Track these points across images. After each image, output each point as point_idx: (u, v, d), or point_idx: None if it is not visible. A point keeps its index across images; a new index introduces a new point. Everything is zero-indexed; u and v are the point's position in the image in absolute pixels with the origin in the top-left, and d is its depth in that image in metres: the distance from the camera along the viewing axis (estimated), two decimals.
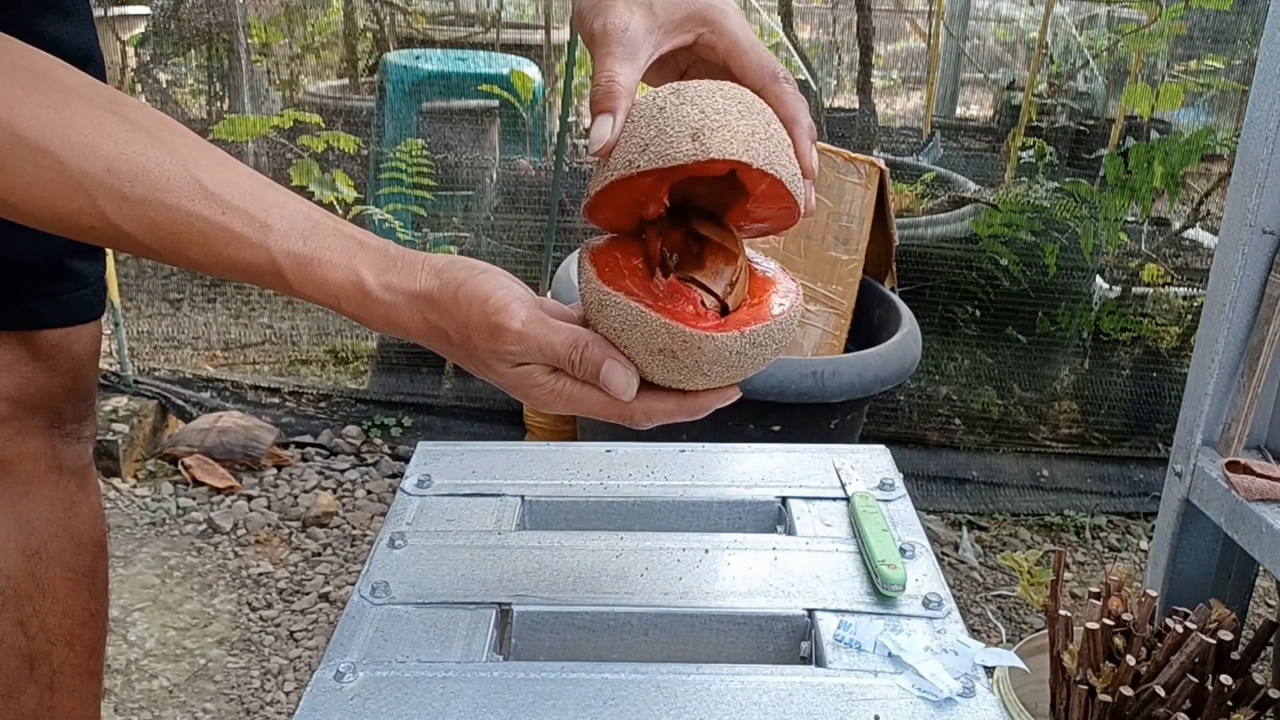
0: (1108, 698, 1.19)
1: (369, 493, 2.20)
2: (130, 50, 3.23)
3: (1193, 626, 1.22)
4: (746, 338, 0.63)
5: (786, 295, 0.68)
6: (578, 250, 0.69)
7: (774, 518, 0.94)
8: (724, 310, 0.66)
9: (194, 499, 2.13)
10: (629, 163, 0.63)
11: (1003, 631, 1.89)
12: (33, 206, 0.60)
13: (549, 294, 1.80)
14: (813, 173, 0.68)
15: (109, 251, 1.43)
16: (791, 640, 0.79)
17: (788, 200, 0.66)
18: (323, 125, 2.47)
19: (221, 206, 0.62)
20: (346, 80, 3.53)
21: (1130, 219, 2.49)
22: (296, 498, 2.16)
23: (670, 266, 0.67)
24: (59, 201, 0.60)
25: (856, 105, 2.92)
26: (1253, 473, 1.33)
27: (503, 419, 2.42)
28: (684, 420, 0.68)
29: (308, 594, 1.88)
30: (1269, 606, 2.00)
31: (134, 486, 2.17)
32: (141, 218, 0.61)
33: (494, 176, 2.71)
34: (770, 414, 1.65)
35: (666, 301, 0.65)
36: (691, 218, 0.69)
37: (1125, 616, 1.28)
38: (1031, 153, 2.74)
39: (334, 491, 2.20)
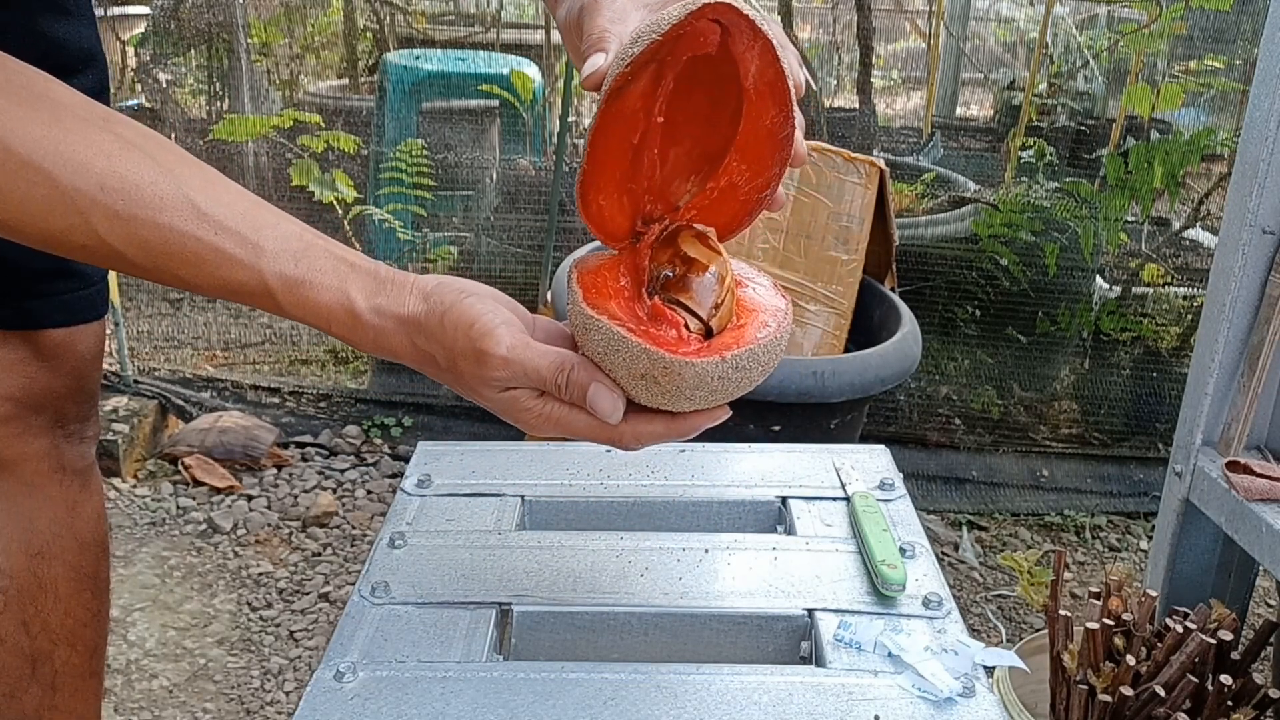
0: (1108, 698, 1.19)
1: (369, 493, 2.20)
2: (130, 50, 3.23)
3: (1193, 626, 1.22)
4: (728, 363, 0.62)
5: (773, 317, 0.67)
6: (587, 249, 0.69)
7: (774, 518, 0.94)
8: (708, 333, 0.65)
9: (194, 499, 2.13)
10: (622, 59, 0.62)
11: (1003, 631, 1.89)
12: (24, 223, 0.60)
13: (549, 294, 1.80)
14: (801, 89, 0.67)
15: None
16: (791, 640, 0.79)
17: (781, 99, 0.65)
18: (323, 125, 2.47)
19: (214, 226, 0.62)
20: (346, 80, 3.53)
21: (1130, 219, 2.49)
22: (296, 498, 2.16)
23: (657, 288, 0.67)
24: (51, 219, 0.60)
25: (856, 105, 2.92)
26: (1253, 473, 1.33)
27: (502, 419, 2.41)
28: (674, 441, 0.68)
29: (308, 594, 1.88)
30: (1269, 606, 2.00)
31: (134, 486, 2.17)
32: (133, 236, 0.61)
33: (494, 176, 2.71)
34: (770, 414, 1.65)
35: (649, 325, 0.64)
36: (679, 239, 0.68)
37: (1125, 616, 1.28)
38: (1031, 153, 2.74)
39: (334, 491, 2.20)
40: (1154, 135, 2.74)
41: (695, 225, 0.70)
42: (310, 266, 0.64)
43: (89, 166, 0.60)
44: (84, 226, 0.60)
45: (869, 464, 1.00)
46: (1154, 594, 1.29)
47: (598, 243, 1.87)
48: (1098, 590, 1.32)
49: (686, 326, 0.65)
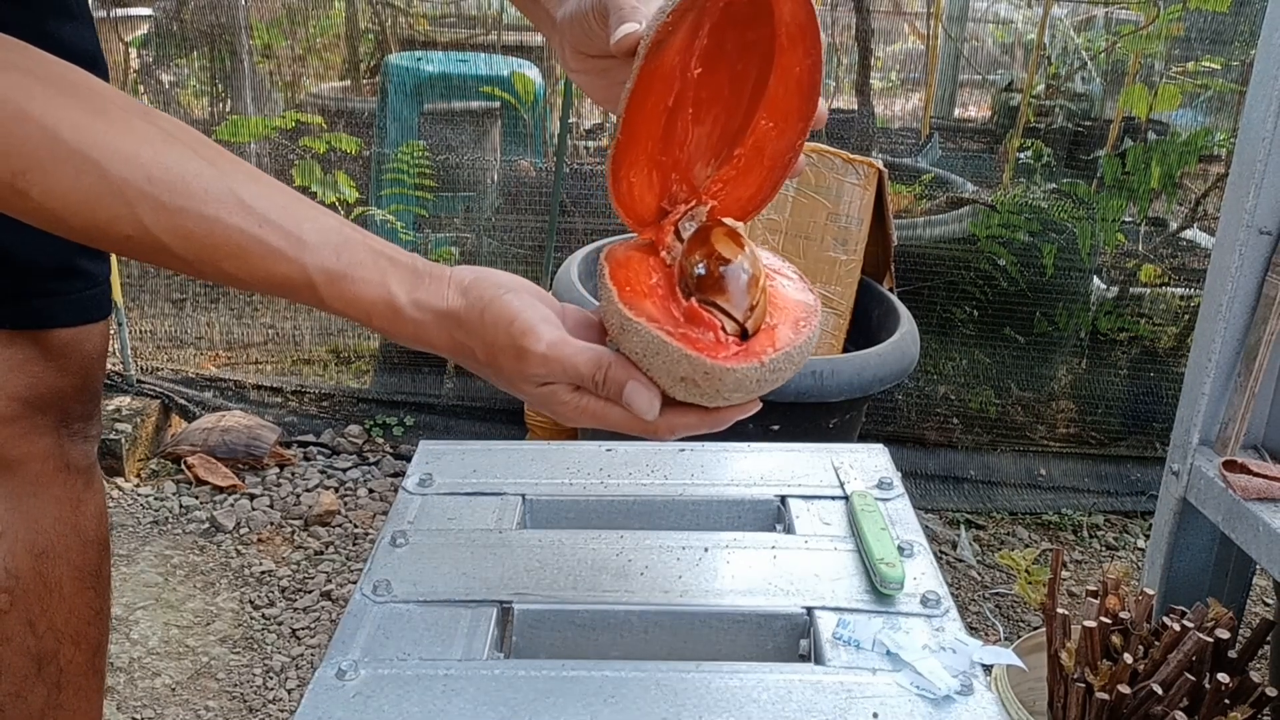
0: (1105, 696, 1.20)
1: (371, 491, 2.21)
2: (133, 51, 3.23)
3: (1190, 625, 1.23)
4: (766, 366, 0.64)
5: (805, 317, 0.69)
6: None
7: (773, 516, 0.95)
8: (743, 333, 0.66)
9: (197, 498, 2.14)
10: (662, 11, 0.63)
11: (1000, 629, 1.90)
12: (70, 213, 0.60)
13: (550, 294, 1.81)
14: (823, 119, 0.71)
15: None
16: (790, 638, 0.79)
17: (812, 43, 0.66)
18: (325, 126, 2.47)
19: (258, 220, 0.62)
20: (348, 82, 3.53)
21: (1128, 220, 2.49)
22: (299, 496, 2.17)
23: (691, 287, 0.67)
24: (98, 209, 0.60)
25: (855, 107, 2.92)
26: (1250, 472, 1.33)
27: (504, 418, 2.42)
28: (706, 431, 0.70)
29: (310, 592, 1.89)
30: (1266, 605, 2.01)
31: (137, 485, 2.17)
32: (179, 228, 0.61)
33: (495, 177, 2.71)
34: (769, 413, 1.65)
35: (687, 328, 0.65)
36: (712, 237, 0.69)
37: (1123, 615, 1.28)
38: (1029, 154, 2.74)
39: (336, 490, 2.20)
40: (1151, 136, 2.74)
41: (726, 221, 0.71)
42: (351, 260, 0.64)
43: (136, 157, 0.60)
44: (130, 217, 0.60)
45: (867, 463, 1.00)
46: (1151, 592, 1.30)
47: (597, 245, 1.87)
48: (1095, 589, 1.32)
49: (723, 328, 0.66)
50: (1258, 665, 1.40)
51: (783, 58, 0.68)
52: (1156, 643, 1.24)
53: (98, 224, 0.61)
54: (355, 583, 1.60)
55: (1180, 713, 1.17)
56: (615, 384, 0.65)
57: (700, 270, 0.67)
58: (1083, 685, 1.23)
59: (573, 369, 0.65)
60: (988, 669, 0.89)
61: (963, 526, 2.20)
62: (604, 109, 0.78)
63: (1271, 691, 1.21)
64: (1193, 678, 1.18)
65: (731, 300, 0.66)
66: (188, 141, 0.63)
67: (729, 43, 0.68)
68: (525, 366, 0.65)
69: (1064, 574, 2.07)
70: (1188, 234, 2.63)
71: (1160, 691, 1.18)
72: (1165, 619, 1.26)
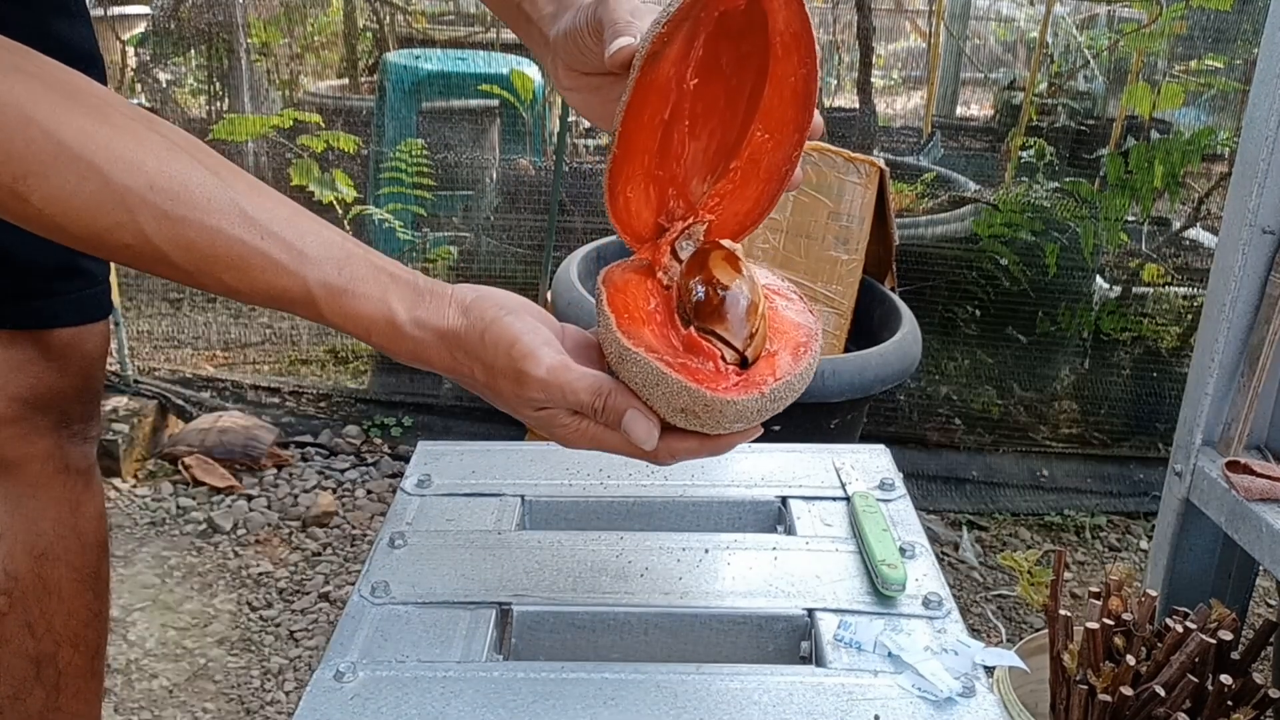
0: (1108, 697, 1.19)
1: (369, 492, 2.20)
2: (130, 50, 3.23)
3: (1193, 626, 1.22)
4: (767, 397, 0.64)
5: (806, 340, 0.68)
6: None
7: (774, 517, 0.94)
8: (743, 362, 0.66)
9: (194, 499, 2.14)
10: (657, 23, 0.63)
11: (1003, 631, 1.89)
12: (70, 220, 0.59)
13: (549, 294, 1.80)
14: (819, 129, 0.71)
15: None
16: (791, 640, 0.79)
17: (806, 51, 0.66)
18: (322, 125, 2.47)
19: (260, 231, 0.62)
20: (346, 80, 3.52)
21: (1130, 219, 2.49)
22: (296, 497, 2.16)
23: (689, 313, 0.67)
24: (99, 216, 0.59)
25: (856, 105, 2.92)
26: (1253, 472, 1.33)
27: (503, 419, 2.41)
28: (707, 456, 0.70)
29: (308, 594, 1.89)
30: (1269, 606, 2.00)
31: (134, 486, 2.17)
32: (180, 237, 0.60)
33: (494, 176, 2.71)
34: None
35: (686, 357, 0.65)
36: (709, 261, 0.68)
37: (1125, 616, 1.28)
38: (1032, 152, 2.74)
39: (334, 491, 2.20)
40: (1154, 135, 2.74)
41: (723, 243, 0.70)
42: (352, 276, 0.64)
43: (140, 165, 0.59)
44: (131, 225, 0.60)
45: (869, 464, 1.00)
46: (1154, 594, 1.30)
47: (597, 244, 1.87)
48: (1098, 590, 1.32)
49: (723, 357, 0.65)
50: (1260, 667, 1.40)
51: (778, 68, 0.67)
52: (1159, 644, 1.24)
53: (98, 231, 0.60)
54: (353, 584, 1.60)
55: (1183, 714, 1.16)
56: (614, 412, 0.65)
57: (699, 295, 0.67)
58: (1085, 687, 1.22)
59: (572, 395, 0.64)
60: (990, 671, 0.88)
61: (965, 528, 2.20)
62: (598, 127, 0.78)
63: (1275, 693, 1.20)
64: (1195, 679, 1.17)
65: (730, 328, 0.66)
66: (191, 150, 0.62)
67: (724, 54, 0.68)
68: (524, 390, 0.64)
69: (1066, 575, 2.06)
70: (1191, 233, 2.63)
71: (1163, 693, 1.18)
72: (1168, 620, 1.25)
